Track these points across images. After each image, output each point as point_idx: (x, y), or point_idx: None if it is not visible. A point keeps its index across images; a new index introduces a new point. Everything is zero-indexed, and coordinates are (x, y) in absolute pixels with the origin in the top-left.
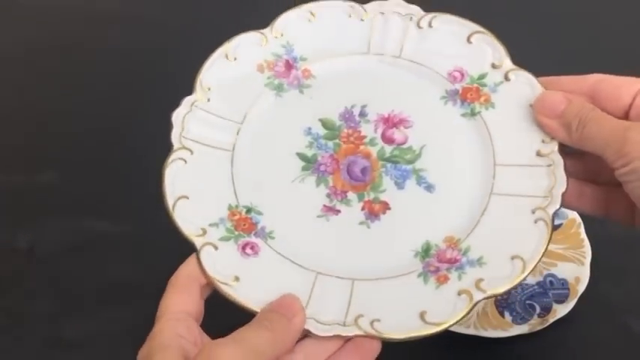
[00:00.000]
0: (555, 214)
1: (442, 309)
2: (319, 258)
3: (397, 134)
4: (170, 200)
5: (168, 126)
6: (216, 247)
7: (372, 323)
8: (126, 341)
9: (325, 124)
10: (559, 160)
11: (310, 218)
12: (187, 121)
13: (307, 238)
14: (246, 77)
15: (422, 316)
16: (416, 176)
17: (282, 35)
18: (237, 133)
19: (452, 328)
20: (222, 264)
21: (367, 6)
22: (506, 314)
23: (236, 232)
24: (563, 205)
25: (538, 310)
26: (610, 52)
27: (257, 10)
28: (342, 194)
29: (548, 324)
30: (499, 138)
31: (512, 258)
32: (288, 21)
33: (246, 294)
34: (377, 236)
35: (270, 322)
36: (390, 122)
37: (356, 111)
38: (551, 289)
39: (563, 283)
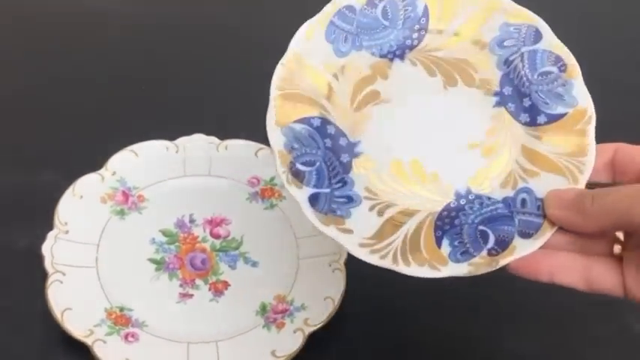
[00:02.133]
0: (345, 262)
1: (286, 345)
2: (186, 332)
3: (221, 230)
4: (57, 314)
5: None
6: (104, 342)
7: None
8: None
9: (165, 233)
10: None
11: (172, 304)
12: (54, 250)
13: (173, 320)
14: (94, 209)
15: (273, 353)
16: (243, 258)
17: (114, 173)
18: (97, 252)
19: (362, 257)
20: (113, 352)
21: (177, 142)
22: (445, 243)
23: (117, 327)
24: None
25: (491, 242)
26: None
27: None
28: (191, 282)
29: (497, 266)
30: (294, 219)
31: (325, 299)
32: (117, 161)
33: None
34: (226, 306)
35: None
36: (214, 223)
37: (186, 219)
38: (520, 211)
39: (539, 207)
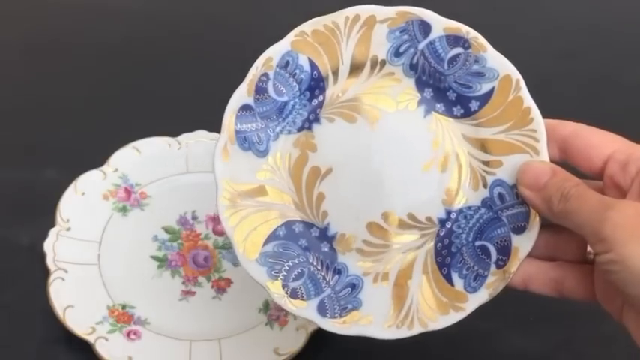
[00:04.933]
0: None
1: (288, 342)
2: (189, 329)
3: None
4: (59, 311)
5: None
6: (106, 339)
7: None
8: None
9: (167, 230)
10: None
11: (174, 302)
12: (57, 247)
13: (176, 317)
14: (96, 206)
15: (276, 351)
16: None
17: (116, 170)
18: (99, 249)
19: (393, 337)
20: (115, 350)
21: (180, 138)
22: (454, 276)
23: (119, 324)
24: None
25: (494, 253)
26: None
27: None
28: (194, 279)
29: (511, 276)
30: None
31: None
32: (120, 158)
33: None
34: (228, 304)
35: None
36: (217, 220)
37: (189, 216)
38: (503, 208)
39: (517, 194)
